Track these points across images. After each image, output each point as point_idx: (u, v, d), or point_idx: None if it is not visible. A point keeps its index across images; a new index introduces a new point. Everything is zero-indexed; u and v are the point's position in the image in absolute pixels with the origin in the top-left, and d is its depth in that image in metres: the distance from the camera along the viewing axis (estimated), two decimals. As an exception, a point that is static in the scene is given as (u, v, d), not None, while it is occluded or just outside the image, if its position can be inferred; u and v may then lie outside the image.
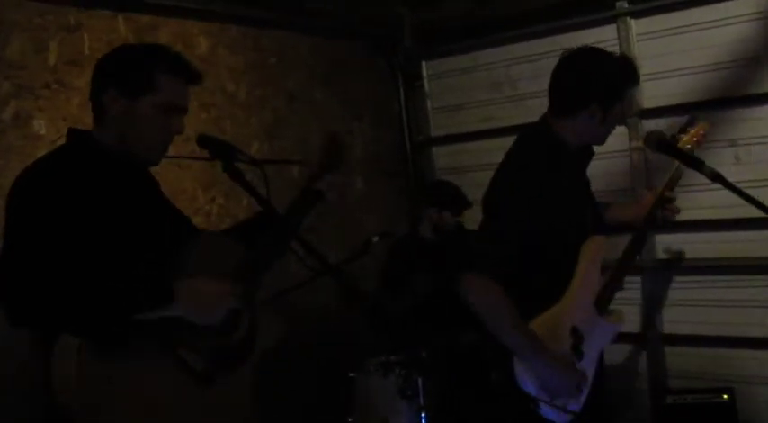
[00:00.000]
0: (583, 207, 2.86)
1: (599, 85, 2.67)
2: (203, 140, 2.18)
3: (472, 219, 4.70)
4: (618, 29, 4.31)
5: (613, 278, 2.86)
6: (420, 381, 3.60)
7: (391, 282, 4.27)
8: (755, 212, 2.34)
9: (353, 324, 4.04)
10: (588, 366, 2.81)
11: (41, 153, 3.33)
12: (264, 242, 2.31)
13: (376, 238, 3.80)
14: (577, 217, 2.80)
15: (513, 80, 4.76)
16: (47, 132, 3.45)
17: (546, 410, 2.68)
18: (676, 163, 2.85)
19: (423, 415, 3.58)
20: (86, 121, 3.57)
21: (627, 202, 3.19)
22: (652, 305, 4.33)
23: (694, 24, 4.10)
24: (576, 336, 2.78)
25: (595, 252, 2.80)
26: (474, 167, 4.87)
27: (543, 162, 2.68)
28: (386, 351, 3.73)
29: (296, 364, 4.10)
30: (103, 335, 1.96)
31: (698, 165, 2.56)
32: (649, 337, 4.33)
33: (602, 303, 2.84)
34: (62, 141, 3.39)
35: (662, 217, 2.93)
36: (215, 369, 2.13)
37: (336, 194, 2.55)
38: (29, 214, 2.02)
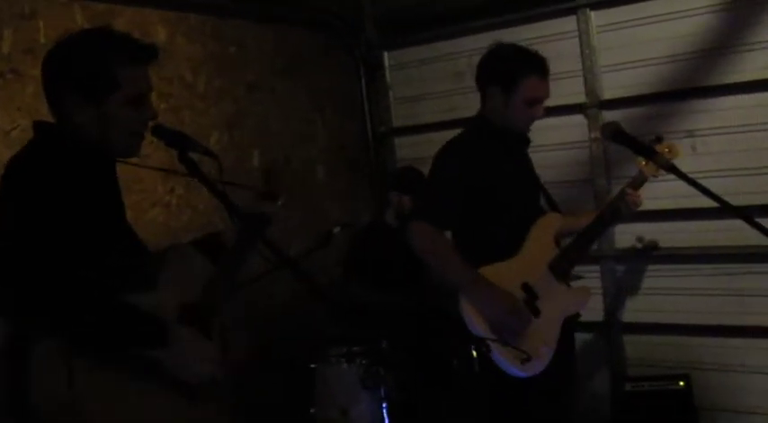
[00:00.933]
0: (521, 181, 3.15)
1: (495, 68, 3.04)
2: (157, 130, 2.14)
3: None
4: (578, 20, 4.34)
5: (571, 248, 3.14)
6: (381, 371, 3.60)
7: (354, 269, 4.27)
8: (711, 202, 2.37)
9: (314, 316, 4.04)
10: (547, 326, 2.97)
11: (-6, 143, 3.34)
12: (223, 267, 2.29)
13: (337, 229, 3.78)
14: (513, 186, 3.08)
15: (474, 70, 4.75)
16: (1, 122, 3.39)
17: (499, 358, 2.80)
18: (641, 163, 3.11)
19: (384, 405, 3.58)
20: (42, 110, 3.49)
21: (579, 215, 3.33)
22: (612, 294, 4.37)
23: (653, 16, 4.14)
24: (529, 292, 3.01)
25: (548, 224, 3.13)
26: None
27: (474, 136, 3.09)
28: (347, 342, 3.73)
29: (258, 357, 4.09)
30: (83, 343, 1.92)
31: (653, 155, 2.60)
32: (609, 326, 4.38)
33: (559, 269, 3.08)
34: (17, 132, 3.41)
35: (625, 208, 3.14)
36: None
37: (282, 218, 2.54)
38: (7, 214, 1.96)
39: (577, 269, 4.26)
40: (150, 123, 2.14)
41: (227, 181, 2.14)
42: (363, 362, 3.61)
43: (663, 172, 2.75)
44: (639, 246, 4.24)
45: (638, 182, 3.16)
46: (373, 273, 4.22)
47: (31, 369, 1.89)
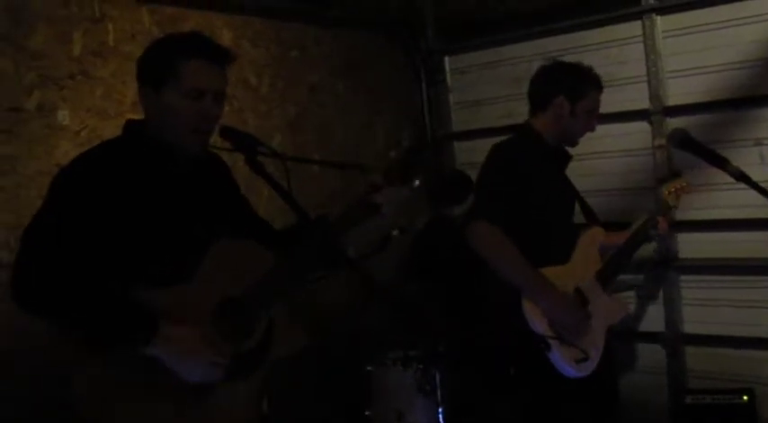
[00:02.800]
0: (563, 198, 3.29)
1: (563, 78, 3.19)
2: (226, 132, 2.17)
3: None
4: (643, 25, 4.27)
5: (612, 262, 3.29)
6: (438, 376, 3.60)
7: (416, 269, 4.29)
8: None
9: (371, 317, 4.04)
10: (596, 330, 3.09)
11: (64, 143, 3.43)
12: (301, 251, 2.20)
13: (396, 232, 3.78)
14: (556, 203, 3.21)
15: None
16: (70, 123, 3.47)
17: (557, 356, 2.91)
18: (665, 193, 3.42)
19: (440, 410, 3.58)
20: (109, 111, 3.62)
21: (613, 233, 3.44)
22: (673, 304, 4.29)
23: (721, 21, 4.04)
24: (581, 296, 3.13)
25: (593, 237, 3.29)
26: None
27: (523, 151, 3.17)
28: (404, 345, 3.73)
29: (314, 358, 4.11)
30: (90, 338, 1.99)
31: (723, 163, 2.54)
32: (670, 337, 4.30)
33: (604, 279, 3.23)
34: (86, 132, 3.49)
35: (654, 234, 3.44)
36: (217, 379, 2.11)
37: (393, 209, 2.25)
38: (55, 204, 2.04)
39: (635, 278, 4.25)
40: (218, 126, 2.18)
41: (346, 162, 2.08)
42: (420, 366, 3.61)
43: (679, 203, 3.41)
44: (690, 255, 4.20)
45: (665, 210, 3.43)
46: (435, 271, 4.22)
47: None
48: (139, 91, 2.20)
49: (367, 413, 3.71)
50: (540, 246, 3.08)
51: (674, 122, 4.11)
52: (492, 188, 3.09)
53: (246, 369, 2.18)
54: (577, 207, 3.44)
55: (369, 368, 3.74)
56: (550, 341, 2.88)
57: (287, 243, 2.26)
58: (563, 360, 2.94)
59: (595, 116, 3.23)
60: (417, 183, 2.20)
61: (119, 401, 1.99)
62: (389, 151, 2.35)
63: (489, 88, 4.97)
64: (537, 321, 2.96)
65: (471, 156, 5.06)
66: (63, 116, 3.47)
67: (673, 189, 3.44)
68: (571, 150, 3.37)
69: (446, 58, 5.17)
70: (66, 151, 3.35)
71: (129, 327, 1.99)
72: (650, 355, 4.33)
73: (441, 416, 3.57)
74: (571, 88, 3.16)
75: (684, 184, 3.47)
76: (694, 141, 2.67)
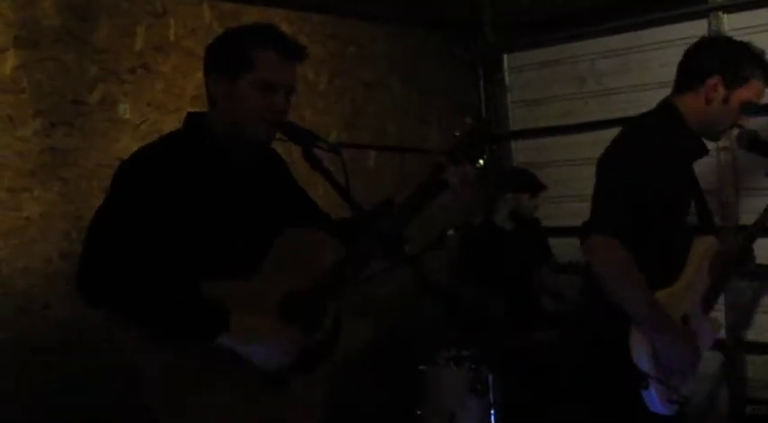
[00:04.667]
0: (689, 195, 2.80)
1: (722, 55, 2.62)
2: (285, 127, 2.17)
3: (550, 215, 4.63)
4: (709, 24, 4.16)
5: (718, 281, 2.81)
6: (491, 377, 3.56)
7: (465, 271, 4.25)
8: None
9: (425, 316, 4.02)
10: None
11: (124, 136, 3.48)
12: (367, 237, 2.18)
13: (451, 232, 3.75)
14: (683, 201, 2.74)
15: (597, 75, 4.65)
16: (131, 116, 3.52)
17: (652, 396, 2.54)
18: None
19: (492, 412, 3.54)
20: (170, 106, 3.67)
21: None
22: (735, 311, 4.18)
23: (789, 20, 3.93)
24: (688, 326, 2.70)
25: (706, 249, 2.78)
26: (553, 163, 4.78)
27: (660, 138, 2.63)
28: (457, 345, 3.70)
29: (366, 356, 4.10)
30: (157, 332, 1.99)
31: (792, 166, 2.45)
32: (731, 344, 4.19)
33: (707, 304, 2.79)
34: (146, 126, 3.54)
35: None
36: (290, 371, 2.10)
37: (465, 189, 2.23)
38: (120, 198, 2.06)
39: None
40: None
41: (408, 146, 2.03)
42: (473, 366, 3.58)
43: None
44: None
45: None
46: (483, 274, 4.18)
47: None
48: (208, 78, 2.19)
49: (418, 412, 3.69)
50: (660, 257, 2.67)
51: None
52: (619, 194, 2.58)
53: (316, 361, 2.17)
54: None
55: (421, 367, 3.72)
56: (651, 381, 2.52)
57: (351, 231, 2.24)
58: (657, 401, 2.56)
59: (747, 107, 2.69)
60: (482, 161, 2.21)
61: (191, 389, 2.00)
62: (453, 132, 2.30)
63: (548, 87, 4.90)
64: (644, 357, 2.55)
65: (529, 155, 5.01)
66: (124, 110, 3.52)
67: None
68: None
69: (504, 56, 5.12)
70: (127, 145, 3.39)
71: (201, 318, 2.00)
72: (710, 363, 4.22)
73: (493, 418, 3.53)
74: (732, 71, 2.62)
75: None
76: (764, 142, 2.57)
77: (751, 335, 4.16)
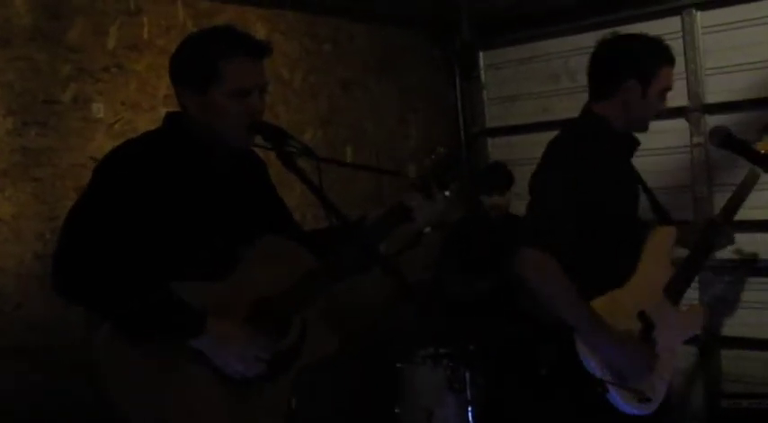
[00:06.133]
0: (633, 192, 2.81)
1: (627, 57, 2.67)
2: (257, 126, 2.16)
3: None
4: (682, 21, 4.20)
5: (684, 268, 2.80)
6: (468, 374, 3.57)
7: (449, 260, 4.27)
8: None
9: (402, 315, 4.02)
10: (664, 357, 2.67)
11: (98, 135, 3.45)
12: (339, 258, 2.19)
13: (428, 229, 3.75)
14: (627, 199, 2.76)
15: (571, 72, 4.67)
16: (105, 115, 3.50)
17: (616, 398, 2.55)
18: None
19: (469, 409, 3.55)
20: (144, 105, 3.64)
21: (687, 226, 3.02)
22: (710, 307, 4.21)
23: (761, 17, 3.97)
24: (645, 321, 2.67)
25: (662, 240, 2.78)
26: (529, 160, 4.78)
27: (589, 141, 2.67)
28: (434, 342, 3.71)
29: (343, 354, 4.10)
30: (129, 329, 1.98)
31: (765, 164, 2.49)
32: (706, 339, 4.23)
33: (674, 293, 2.76)
34: (120, 125, 3.51)
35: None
36: (255, 378, 2.10)
37: (427, 217, 2.29)
38: (98, 193, 2.05)
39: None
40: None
41: (381, 167, 2.04)
42: (450, 364, 3.59)
43: None
44: (738, 257, 4.06)
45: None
46: (468, 262, 4.20)
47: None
48: (177, 91, 2.17)
49: (396, 410, 3.69)
50: (604, 259, 2.66)
51: (713, 120, 4.04)
52: (549, 206, 2.59)
53: (279, 369, 2.17)
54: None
55: (398, 365, 3.72)
56: (608, 385, 2.49)
57: (322, 246, 2.25)
58: (622, 401, 2.55)
59: (666, 94, 2.75)
60: (450, 192, 2.22)
61: (159, 389, 1.99)
62: (424, 159, 2.31)
63: (524, 84, 4.93)
64: (593, 363, 2.54)
65: (505, 152, 5.02)
66: (98, 109, 3.49)
67: None
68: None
69: (480, 54, 5.14)
70: (101, 144, 3.37)
71: (178, 319, 2.00)
72: (685, 358, 4.26)
73: (470, 414, 3.54)
74: (642, 68, 2.67)
75: None
76: (737, 140, 2.60)
77: (726, 330, 4.20)
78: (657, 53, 2.71)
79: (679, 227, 2.90)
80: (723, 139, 2.59)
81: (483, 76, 5.14)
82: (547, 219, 2.57)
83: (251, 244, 2.18)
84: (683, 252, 2.88)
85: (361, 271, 2.22)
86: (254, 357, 2.08)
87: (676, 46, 4.16)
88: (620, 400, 2.54)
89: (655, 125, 4.04)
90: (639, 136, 2.82)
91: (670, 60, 2.73)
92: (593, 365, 2.54)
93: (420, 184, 2.24)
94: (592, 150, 2.65)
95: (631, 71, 2.67)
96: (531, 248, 2.52)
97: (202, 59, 2.11)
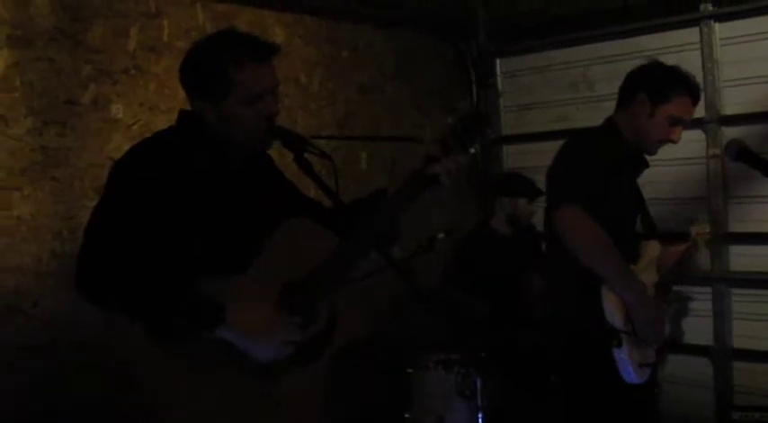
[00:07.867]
0: (630, 196, 3.09)
1: (648, 76, 2.99)
2: (276, 131, 2.17)
3: (539, 221, 4.64)
4: (701, 32, 4.20)
5: (668, 272, 3.13)
6: (479, 381, 3.57)
7: (457, 273, 4.26)
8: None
9: (414, 320, 4.02)
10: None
11: (116, 136, 3.48)
12: (361, 230, 2.16)
13: (441, 235, 3.76)
14: (624, 199, 3.02)
15: (589, 81, 4.68)
16: (124, 116, 3.53)
17: (623, 360, 2.80)
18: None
19: (480, 415, 3.55)
20: (162, 106, 3.66)
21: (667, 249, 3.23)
22: (722, 318, 4.20)
23: (781, 30, 3.96)
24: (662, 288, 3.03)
25: (651, 250, 3.10)
26: (544, 169, 4.78)
27: (601, 141, 2.99)
28: (446, 349, 3.71)
29: (354, 359, 4.11)
30: (156, 328, 1.98)
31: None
32: (718, 351, 4.21)
33: (661, 291, 3.06)
34: (138, 126, 3.54)
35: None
36: (284, 363, 2.10)
37: (451, 179, 2.18)
38: (116, 195, 2.06)
39: (688, 290, 4.15)
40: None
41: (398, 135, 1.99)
42: (461, 370, 3.59)
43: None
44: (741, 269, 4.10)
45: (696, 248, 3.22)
46: (475, 277, 4.19)
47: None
48: (190, 99, 2.18)
49: (407, 416, 3.69)
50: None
51: (730, 132, 4.03)
52: (576, 173, 2.87)
53: (312, 354, 2.16)
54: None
55: (409, 370, 3.72)
56: (624, 337, 2.77)
57: (345, 221, 2.20)
58: (628, 360, 2.82)
59: (679, 126, 3.00)
60: (474, 150, 2.19)
61: (187, 386, 1.99)
62: (446, 116, 2.24)
63: (541, 92, 4.93)
64: (615, 314, 2.81)
65: (520, 160, 5.02)
66: (117, 110, 3.52)
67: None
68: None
69: (497, 61, 5.14)
70: (119, 144, 3.40)
71: (197, 311, 1.99)
72: (697, 369, 4.25)
73: (481, 421, 3.54)
74: (655, 88, 2.95)
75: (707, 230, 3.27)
76: (752, 153, 2.60)
77: (739, 342, 4.18)
78: (677, 80, 2.99)
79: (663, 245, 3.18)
80: (739, 152, 2.60)
81: (499, 84, 5.14)
82: (579, 179, 2.84)
83: (274, 230, 2.17)
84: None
85: (387, 245, 2.19)
86: (280, 341, 2.07)
87: (694, 57, 4.19)
88: (626, 358, 2.81)
89: (671, 135, 4.06)
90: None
91: (690, 93, 3.00)
92: (615, 316, 2.81)
93: (443, 144, 2.17)
94: (603, 150, 2.93)
95: (644, 86, 2.96)
96: (568, 205, 2.78)
97: (212, 70, 2.11)
